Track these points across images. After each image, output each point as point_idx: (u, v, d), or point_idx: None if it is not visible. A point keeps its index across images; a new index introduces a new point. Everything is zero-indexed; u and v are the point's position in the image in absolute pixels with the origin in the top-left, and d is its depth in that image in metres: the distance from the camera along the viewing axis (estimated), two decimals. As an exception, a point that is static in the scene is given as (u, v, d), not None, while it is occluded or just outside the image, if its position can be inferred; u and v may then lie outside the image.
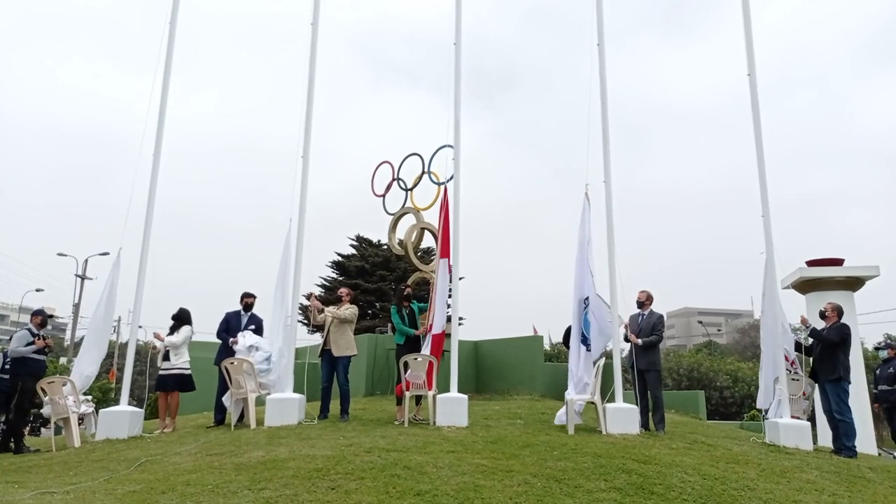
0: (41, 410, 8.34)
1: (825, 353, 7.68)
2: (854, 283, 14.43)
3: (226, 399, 8.44)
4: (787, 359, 8.02)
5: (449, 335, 8.23)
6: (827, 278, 14.27)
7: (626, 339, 8.27)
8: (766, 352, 8.18)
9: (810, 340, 8.07)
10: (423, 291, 16.72)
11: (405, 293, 8.85)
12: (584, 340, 7.89)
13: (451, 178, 8.80)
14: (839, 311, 7.90)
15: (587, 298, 7.99)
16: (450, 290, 8.39)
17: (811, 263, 14.57)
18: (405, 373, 7.89)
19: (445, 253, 8.49)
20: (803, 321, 8.40)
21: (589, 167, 8.33)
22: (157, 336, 8.79)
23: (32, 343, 8.19)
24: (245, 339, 8.47)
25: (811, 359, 8.14)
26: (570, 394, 7.65)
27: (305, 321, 22.61)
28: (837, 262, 14.45)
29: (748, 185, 8.54)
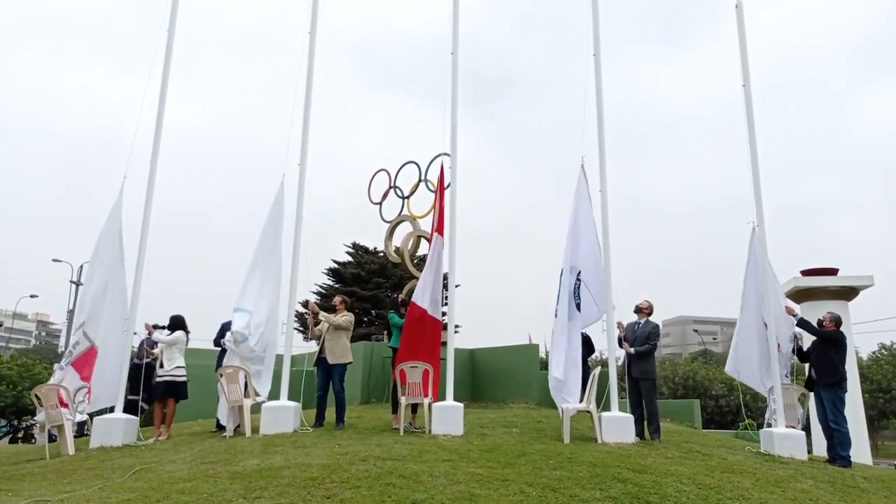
0: (35, 417, 8.31)
1: (822, 357, 7.68)
2: (848, 293, 14.50)
3: (219, 410, 8.43)
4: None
5: (445, 343, 8.22)
6: (821, 288, 14.36)
7: (620, 345, 8.27)
8: (744, 323, 8.30)
9: (801, 333, 8.05)
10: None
11: (400, 300, 9.02)
12: (578, 307, 8.02)
13: (448, 185, 8.82)
14: (837, 322, 7.88)
15: (580, 273, 8.11)
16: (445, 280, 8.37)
17: (806, 273, 14.65)
18: (401, 381, 7.89)
19: (440, 229, 8.47)
20: (789, 311, 8.27)
21: (586, 148, 8.41)
22: (147, 327, 8.70)
23: None
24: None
25: (806, 365, 8.17)
26: (563, 399, 7.68)
27: (302, 329, 22.57)
28: (832, 272, 14.53)
29: (744, 194, 8.59)
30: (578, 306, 8.08)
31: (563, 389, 7.78)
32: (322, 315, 8.53)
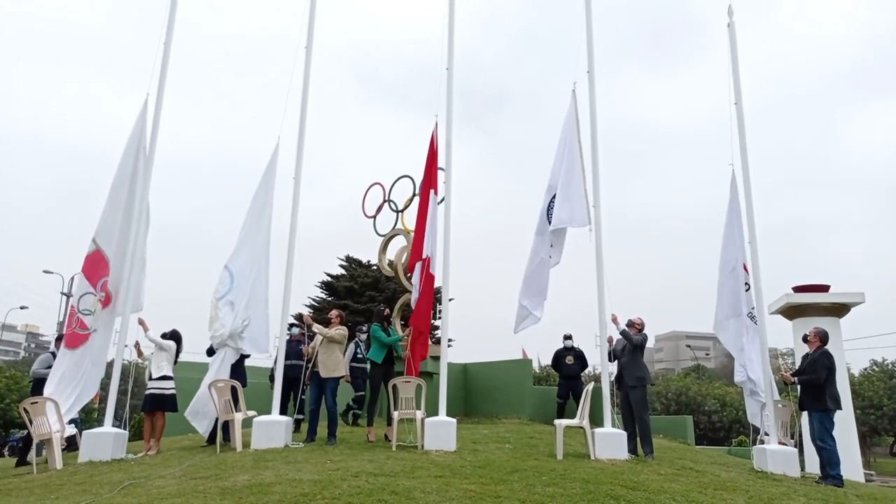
0: (23, 431, 8.26)
1: (809, 384, 7.52)
2: (840, 310, 14.58)
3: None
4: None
5: (437, 358, 8.22)
6: (813, 304, 14.42)
7: (611, 360, 8.26)
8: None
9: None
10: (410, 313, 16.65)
11: (385, 313, 9.03)
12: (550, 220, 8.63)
13: (443, 200, 8.84)
14: (822, 337, 7.67)
15: (556, 193, 8.62)
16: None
17: (797, 289, 14.72)
18: (394, 396, 7.88)
19: (434, 185, 8.82)
20: (785, 380, 8.01)
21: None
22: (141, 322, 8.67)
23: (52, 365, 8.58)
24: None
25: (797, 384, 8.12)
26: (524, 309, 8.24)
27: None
28: (823, 289, 14.61)
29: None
30: (549, 220, 8.59)
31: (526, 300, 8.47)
32: (316, 327, 8.50)
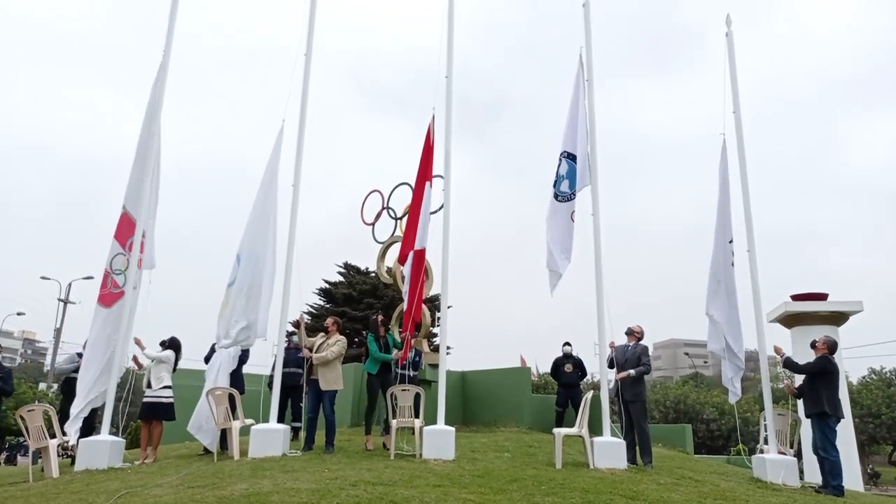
0: (19, 438, 8.21)
1: (807, 385, 7.58)
2: (838, 318, 14.56)
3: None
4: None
5: (436, 365, 8.20)
6: (811, 313, 14.41)
7: (610, 366, 8.25)
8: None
9: (786, 371, 7.99)
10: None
11: (381, 321, 8.97)
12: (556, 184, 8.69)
13: (441, 207, 8.84)
14: (830, 346, 7.59)
15: (570, 155, 8.72)
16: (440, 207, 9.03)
17: (796, 298, 14.71)
18: (392, 404, 7.85)
19: (430, 177, 8.89)
20: (777, 350, 8.17)
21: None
22: (137, 342, 8.62)
23: (77, 364, 8.52)
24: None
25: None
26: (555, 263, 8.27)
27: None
28: (822, 297, 14.60)
29: (734, 220, 8.66)
30: (556, 183, 8.70)
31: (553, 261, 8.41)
32: (314, 358, 8.33)
